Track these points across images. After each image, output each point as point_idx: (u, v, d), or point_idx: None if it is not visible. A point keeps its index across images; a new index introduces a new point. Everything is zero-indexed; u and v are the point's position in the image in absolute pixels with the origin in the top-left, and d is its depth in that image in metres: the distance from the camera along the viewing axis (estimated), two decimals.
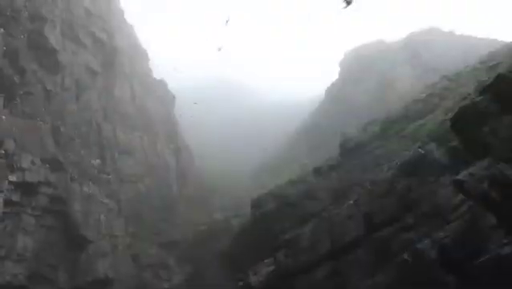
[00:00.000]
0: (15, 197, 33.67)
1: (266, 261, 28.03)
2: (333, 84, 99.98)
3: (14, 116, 34.33)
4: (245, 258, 36.75)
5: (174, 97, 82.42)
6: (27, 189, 34.81)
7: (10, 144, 31.05)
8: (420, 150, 19.58)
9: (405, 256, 15.68)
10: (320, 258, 19.65)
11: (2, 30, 32.61)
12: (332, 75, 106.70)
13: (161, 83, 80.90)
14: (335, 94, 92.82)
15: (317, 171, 38.62)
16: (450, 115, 23.57)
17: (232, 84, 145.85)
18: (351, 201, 20.81)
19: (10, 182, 32.66)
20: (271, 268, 24.78)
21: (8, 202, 32.56)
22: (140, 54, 79.39)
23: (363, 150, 33.94)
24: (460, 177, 14.85)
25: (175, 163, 70.08)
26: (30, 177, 34.66)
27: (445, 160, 19.01)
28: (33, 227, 35.87)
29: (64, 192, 38.47)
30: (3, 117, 28.90)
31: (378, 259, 17.51)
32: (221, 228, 55.25)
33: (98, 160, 46.74)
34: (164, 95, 79.40)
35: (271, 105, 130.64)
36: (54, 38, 43.37)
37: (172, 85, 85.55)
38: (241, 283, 27.99)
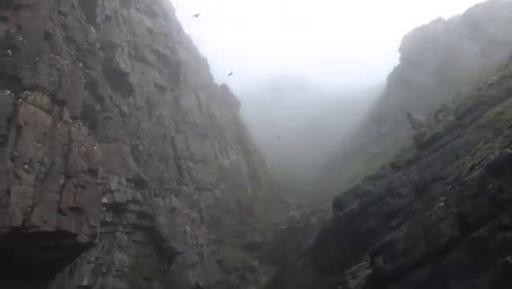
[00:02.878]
0: (108, 217, 35.92)
1: (362, 264, 28.37)
2: (395, 70, 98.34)
3: (99, 141, 36.19)
4: (331, 258, 37.24)
5: (239, 102, 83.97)
6: (117, 208, 37.03)
7: (99, 170, 32.93)
8: (507, 150, 19.19)
9: (509, 259, 15.63)
10: (417, 261, 19.84)
11: (81, 64, 34.54)
12: (392, 61, 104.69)
13: (224, 89, 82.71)
14: (398, 79, 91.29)
15: (394, 166, 38.26)
16: None
17: (292, 81, 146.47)
18: (442, 203, 20.74)
19: (103, 204, 34.71)
20: (369, 271, 25.10)
21: (103, 223, 34.63)
22: (201, 63, 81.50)
23: (439, 142, 33.33)
24: None
25: (246, 165, 71.52)
26: (118, 198, 36.77)
27: None
28: (126, 243, 38.22)
29: (150, 208, 40.46)
30: (94, 147, 30.73)
31: (477, 260, 17.44)
32: (300, 227, 55.92)
33: (176, 173, 48.69)
34: (227, 100, 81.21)
35: (334, 96, 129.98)
36: (123, 62, 45.35)
37: (235, 88, 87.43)
38: (339, 287, 28.45)
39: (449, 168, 29.45)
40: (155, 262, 40.67)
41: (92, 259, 33.97)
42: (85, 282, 33.22)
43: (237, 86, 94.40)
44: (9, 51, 27.26)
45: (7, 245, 21.28)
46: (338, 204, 40.58)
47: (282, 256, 53.49)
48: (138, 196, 39.29)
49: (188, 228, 44.94)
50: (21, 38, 28.43)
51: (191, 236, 45.22)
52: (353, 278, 27.38)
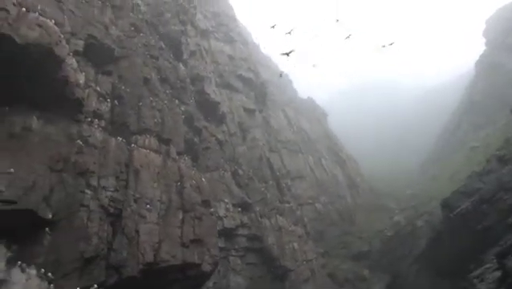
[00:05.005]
0: (221, 243, 37.19)
1: (488, 266, 27.30)
2: (481, 55, 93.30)
3: (202, 172, 37.82)
4: (447, 261, 36.00)
5: (326, 113, 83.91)
6: (228, 234, 38.44)
7: (210, 200, 34.24)
8: None
9: None
10: None
11: (177, 101, 36.55)
12: (478, 47, 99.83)
13: (310, 101, 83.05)
14: (486, 65, 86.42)
15: (501, 159, 36.34)
16: None
17: (375, 82, 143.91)
18: None
19: None
20: (498, 274, 24.10)
21: None
22: (283, 79, 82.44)
23: None
24: None
25: (342, 175, 71.08)
26: (228, 224, 38.24)
27: None
28: (240, 266, 39.43)
29: (258, 230, 41.48)
30: (203, 180, 32.22)
31: None
32: (407, 231, 54.37)
33: (276, 192, 49.54)
34: (315, 112, 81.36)
35: (420, 92, 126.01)
36: (213, 92, 47.12)
37: (319, 98, 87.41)
38: None
39: None
40: (268, 281, 41.44)
41: (211, 285, 35.29)
42: None
43: (321, 97, 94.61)
44: (115, 101, 29.62)
45: (140, 281, 22.88)
46: (447, 205, 39.13)
47: (392, 263, 52.29)
48: (245, 219, 40.53)
49: (296, 245, 45.47)
50: (123, 87, 30.82)
51: (300, 252, 45.65)
52: (481, 281, 26.34)
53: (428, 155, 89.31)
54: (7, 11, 20.32)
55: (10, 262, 18.96)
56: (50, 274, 19.51)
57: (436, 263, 39.96)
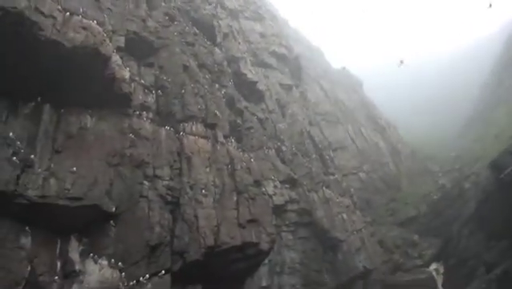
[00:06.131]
0: (272, 221, 37.89)
1: None
2: None
3: (246, 152, 38.28)
4: (500, 223, 35.61)
5: (361, 81, 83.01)
6: (278, 210, 38.95)
7: (261, 179, 34.81)
8: None
9: None
10: None
11: (217, 85, 37.06)
12: None
13: (344, 72, 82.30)
14: None
15: None
16: None
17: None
18: None
19: None
20: None
21: None
22: (315, 53, 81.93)
23: None
24: None
25: (383, 142, 70.60)
26: (277, 200, 38.74)
27: None
28: (292, 241, 40.17)
29: (306, 204, 41.95)
30: (251, 160, 32.85)
31: None
32: (454, 194, 53.76)
33: (320, 164, 49.82)
34: (350, 82, 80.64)
35: (455, 50, 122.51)
36: (249, 71, 47.40)
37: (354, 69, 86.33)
38: None
39: None
40: (321, 254, 41.98)
41: (266, 261, 36.21)
42: (264, 283, 36.05)
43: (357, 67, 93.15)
44: (159, 92, 30.37)
45: (203, 263, 23.83)
46: (496, 166, 38.34)
47: (441, 227, 51.80)
48: (293, 195, 41.06)
49: (344, 215, 45.76)
50: (165, 77, 31.48)
51: (349, 222, 45.98)
52: None
53: (468, 115, 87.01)
54: (54, 18, 21.10)
55: (83, 255, 20.23)
56: (120, 263, 20.67)
57: (488, 225, 39.55)
